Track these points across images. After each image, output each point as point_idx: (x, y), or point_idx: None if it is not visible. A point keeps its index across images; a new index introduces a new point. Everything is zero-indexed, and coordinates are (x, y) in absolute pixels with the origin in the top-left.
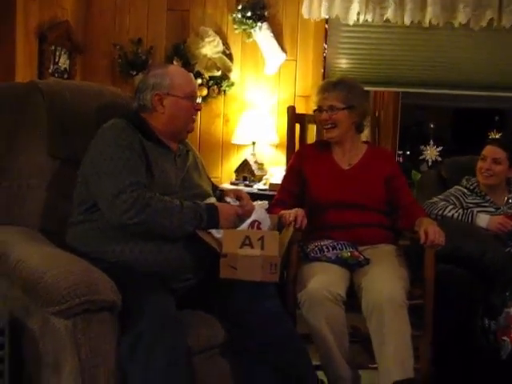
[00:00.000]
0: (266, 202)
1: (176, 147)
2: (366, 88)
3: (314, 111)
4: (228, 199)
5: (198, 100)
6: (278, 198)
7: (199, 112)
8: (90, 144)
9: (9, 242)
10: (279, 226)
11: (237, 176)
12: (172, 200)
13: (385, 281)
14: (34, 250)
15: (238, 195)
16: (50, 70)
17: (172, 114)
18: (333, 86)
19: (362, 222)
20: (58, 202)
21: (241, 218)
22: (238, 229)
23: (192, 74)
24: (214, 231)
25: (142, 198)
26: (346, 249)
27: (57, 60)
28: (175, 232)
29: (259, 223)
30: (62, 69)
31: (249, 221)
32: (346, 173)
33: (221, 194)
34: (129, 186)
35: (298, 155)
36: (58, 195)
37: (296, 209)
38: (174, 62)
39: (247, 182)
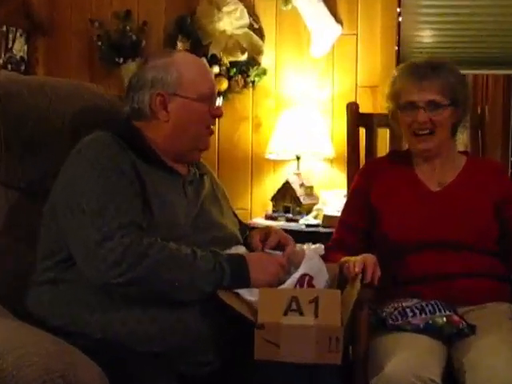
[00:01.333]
0: (322, 247)
1: (185, 170)
2: (462, 71)
3: (392, 110)
4: (255, 240)
5: (218, 101)
6: (336, 237)
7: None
8: (61, 169)
9: None
10: (341, 280)
11: (274, 207)
12: (180, 248)
13: (499, 358)
14: None
15: (268, 236)
16: (0, 61)
17: (180, 124)
18: (432, 70)
19: (462, 270)
20: (14, 251)
21: (284, 272)
22: (281, 287)
23: (206, 62)
24: (243, 291)
25: (137, 245)
26: (440, 312)
27: (10, 46)
28: (186, 293)
29: (311, 278)
30: (18, 58)
31: (296, 275)
32: (436, 196)
33: (247, 239)
34: (118, 229)
35: (364, 175)
36: (13, 242)
37: (364, 254)
38: (178, 44)
39: (290, 215)
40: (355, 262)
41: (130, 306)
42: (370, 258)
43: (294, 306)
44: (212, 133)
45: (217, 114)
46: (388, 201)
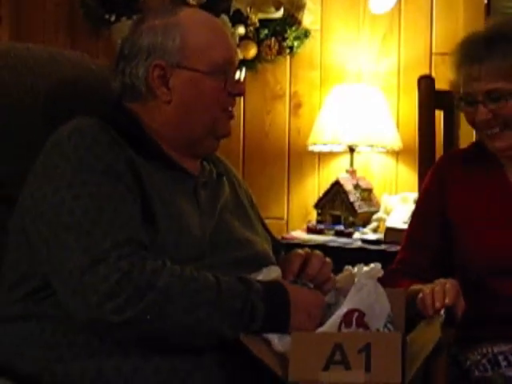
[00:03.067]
0: (379, 267)
1: (198, 168)
2: None
3: (458, 101)
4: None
5: (239, 74)
6: (401, 258)
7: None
8: (32, 167)
9: None
10: (411, 314)
11: (320, 216)
12: (198, 274)
13: None
14: None
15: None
16: None
17: (186, 105)
18: (488, 47)
19: None
20: None
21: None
22: (319, 330)
23: (227, 21)
24: (272, 337)
25: (140, 271)
26: None
27: None
28: (200, 339)
29: (362, 314)
30: None
31: (340, 311)
32: None
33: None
34: (112, 248)
35: (438, 175)
36: None
37: (445, 280)
38: None
39: (341, 228)
40: (434, 291)
41: (126, 350)
42: (452, 284)
43: (337, 357)
44: (232, 117)
45: (236, 91)
46: (470, 212)
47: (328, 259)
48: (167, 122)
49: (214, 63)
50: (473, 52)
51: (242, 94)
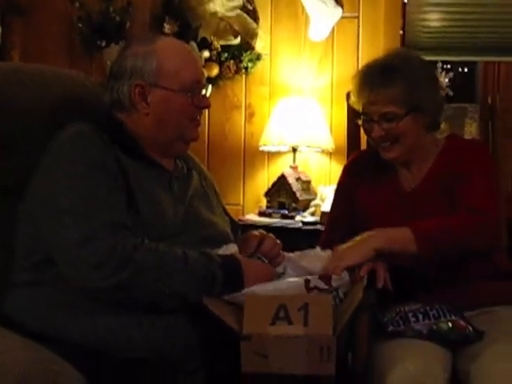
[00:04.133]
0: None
1: (172, 165)
2: (472, 58)
3: (358, 116)
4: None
5: (205, 91)
6: (324, 238)
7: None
8: (38, 164)
9: None
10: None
11: (269, 202)
12: (170, 250)
13: (509, 367)
14: None
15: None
16: None
17: (161, 117)
18: (383, 77)
19: (457, 274)
20: None
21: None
22: (270, 291)
23: (195, 47)
24: (232, 295)
25: (123, 247)
26: (444, 316)
27: None
28: (172, 301)
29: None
30: None
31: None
32: (409, 195)
33: (239, 242)
34: (101, 228)
35: (347, 172)
36: None
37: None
38: (166, 27)
39: (285, 212)
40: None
41: (114, 309)
42: (380, 262)
43: (282, 314)
44: (199, 124)
45: (202, 105)
46: (368, 208)
47: (278, 241)
48: (147, 130)
49: (183, 83)
50: (370, 80)
51: (207, 106)
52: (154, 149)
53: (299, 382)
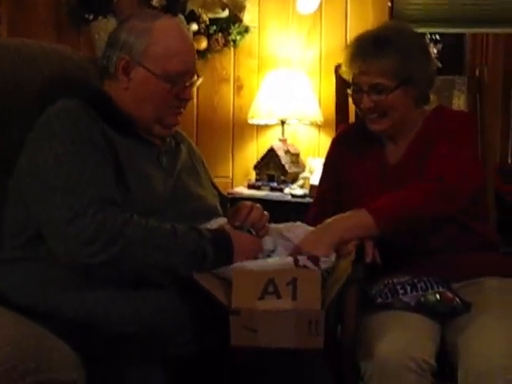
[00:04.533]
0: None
1: (160, 140)
2: (460, 30)
3: (348, 86)
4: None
5: (194, 80)
6: (312, 211)
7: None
8: (26, 140)
9: None
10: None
11: (258, 175)
12: (160, 225)
13: (496, 338)
14: None
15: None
16: None
17: (138, 96)
18: (375, 48)
19: (440, 245)
20: None
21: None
22: (259, 266)
23: (183, 20)
24: (222, 269)
25: (112, 223)
26: (432, 288)
27: None
28: (162, 275)
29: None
30: None
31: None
32: (393, 170)
33: (228, 214)
34: (90, 204)
35: (334, 146)
36: None
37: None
38: (155, 0)
39: (274, 184)
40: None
41: (105, 284)
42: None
43: (270, 289)
44: (179, 113)
45: (182, 96)
46: (355, 174)
47: (265, 212)
48: (127, 106)
49: (166, 71)
50: (363, 50)
51: (188, 99)
52: (138, 123)
53: (288, 355)
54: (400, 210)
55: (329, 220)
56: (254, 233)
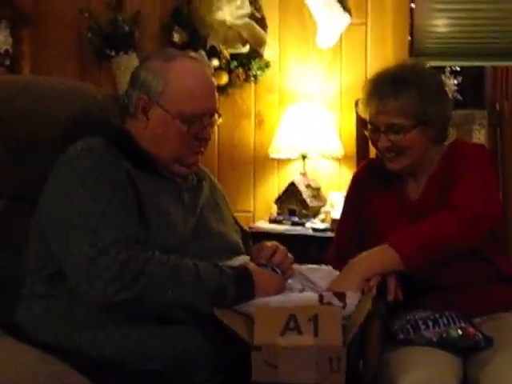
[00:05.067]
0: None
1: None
2: (480, 63)
3: (365, 125)
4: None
5: (214, 119)
6: (334, 246)
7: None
8: (49, 178)
9: None
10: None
11: (279, 209)
12: (182, 262)
13: None
14: None
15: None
16: None
17: (157, 135)
18: (393, 88)
19: (463, 280)
20: (4, 261)
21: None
22: (280, 303)
23: (204, 55)
24: (242, 305)
25: (135, 261)
26: (454, 324)
27: None
28: (185, 311)
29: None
30: (3, 51)
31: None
32: (414, 205)
33: (251, 253)
34: (114, 243)
35: (356, 180)
36: (2, 251)
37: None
38: (174, 36)
39: (296, 219)
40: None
41: (129, 321)
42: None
43: (292, 325)
44: (199, 152)
45: (200, 136)
46: (376, 211)
47: (290, 255)
48: (146, 143)
49: (183, 112)
50: (380, 89)
51: (206, 139)
52: (159, 163)
53: None
54: (424, 240)
55: (354, 259)
56: (278, 272)
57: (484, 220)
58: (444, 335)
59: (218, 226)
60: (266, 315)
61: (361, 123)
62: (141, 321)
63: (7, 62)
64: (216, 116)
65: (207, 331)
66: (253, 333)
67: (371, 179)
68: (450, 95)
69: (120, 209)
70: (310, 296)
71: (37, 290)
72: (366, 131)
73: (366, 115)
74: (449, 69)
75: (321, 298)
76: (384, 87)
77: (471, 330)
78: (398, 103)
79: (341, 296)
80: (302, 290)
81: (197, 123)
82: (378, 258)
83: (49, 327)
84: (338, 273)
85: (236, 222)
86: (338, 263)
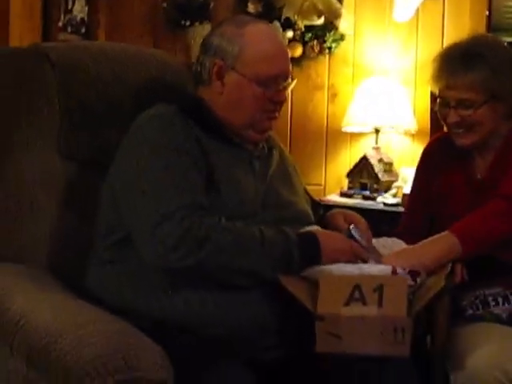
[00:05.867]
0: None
1: (253, 144)
2: None
3: (434, 100)
4: (354, 232)
5: (288, 83)
6: (403, 222)
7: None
8: (120, 144)
9: (6, 289)
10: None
11: (350, 183)
12: (247, 229)
13: None
14: (43, 302)
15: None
16: (60, 23)
17: (232, 100)
18: (464, 62)
19: None
20: (76, 226)
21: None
22: (345, 272)
23: (278, 27)
24: (309, 270)
25: (198, 227)
26: None
27: (70, 7)
28: (248, 280)
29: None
30: (79, 20)
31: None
32: (479, 183)
33: (328, 218)
34: (178, 210)
35: (425, 157)
36: (75, 216)
37: None
38: (249, 7)
39: (367, 193)
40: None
41: (193, 287)
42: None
43: (356, 295)
44: (273, 118)
45: (275, 99)
46: (443, 187)
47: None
48: (221, 110)
49: (259, 75)
50: (451, 63)
51: (281, 102)
52: (231, 129)
53: (373, 362)
54: (478, 232)
55: (421, 243)
56: (360, 239)
57: None
58: None
59: (288, 195)
60: (330, 284)
61: (436, 98)
62: (205, 287)
63: (83, 30)
64: (290, 79)
65: (272, 299)
66: (317, 302)
67: (440, 154)
68: None
69: (187, 175)
70: (384, 269)
71: (105, 256)
72: (435, 106)
73: (435, 89)
74: None
75: (394, 272)
76: (455, 61)
77: None
78: (469, 78)
79: (414, 275)
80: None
81: (272, 86)
82: (439, 248)
83: (116, 291)
84: (403, 244)
85: (306, 192)
86: (406, 239)
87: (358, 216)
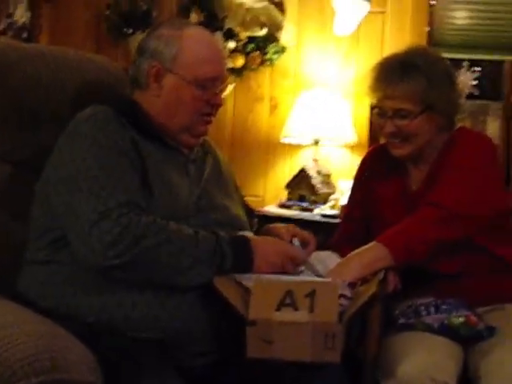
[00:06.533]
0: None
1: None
2: (498, 57)
3: (372, 109)
4: (296, 244)
5: (225, 87)
6: (340, 231)
7: (227, 97)
8: (56, 144)
9: None
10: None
11: (289, 194)
12: (181, 228)
13: None
14: None
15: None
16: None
17: (170, 103)
18: (400, 73)
19: (461, 269)
20: (9, 227)
21: (293, 266)
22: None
23: (220, 37)
24: (243, 277)
25: (136, 225)
26: (456, 311)
27: (11, 11)
28: (185, 278)
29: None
30: (20, 24)
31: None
32: (413, 195)
33: (270, 229)
34: (115, 208)
35: (362, 166)
36: (7, 217)
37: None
38: (192, 16)
39: (305, 205)
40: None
41: (126, 288)
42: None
43: (288, 301)
44: (209, 122)
45: (213, 101)
46: (379, 197)
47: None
48: (157, 112)
49: (196, 77)
50: (389, 74)
51: (219, 105)
52: (167, 132)
53: (304, 369)
54: (408, 239)
55: (349, 255)
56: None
57: (465, 220)
58: (445, 322)
59: (222, 199)
60: (263, 289)
61: (373, 109)
62: (139, 288)
63: (24, 35)
64: (226, 83)
65: (206, 303)
66: (249, 307)
67: (377, 165)
68: (467, 89)
69: (123, 174)
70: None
71: (38, 256)
72: (372, 116)
73: (373, 99)
74: (467, 62)
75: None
76: (392, 71)
77: (474, 318)
78: (406, 88)
79: (352, 285)
80: (301, 271)
81: (210, 88)
82: (370, 256)
83: (49, 293)
84: (336, 257)
85: (242, 198)
86: (343, 247)
87: (302, 230)
